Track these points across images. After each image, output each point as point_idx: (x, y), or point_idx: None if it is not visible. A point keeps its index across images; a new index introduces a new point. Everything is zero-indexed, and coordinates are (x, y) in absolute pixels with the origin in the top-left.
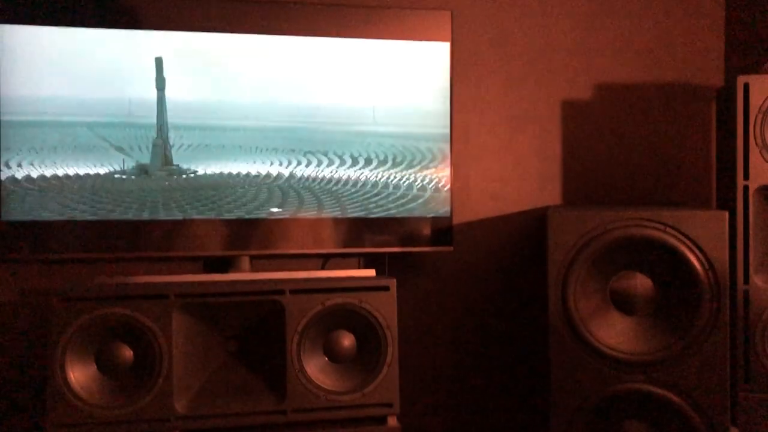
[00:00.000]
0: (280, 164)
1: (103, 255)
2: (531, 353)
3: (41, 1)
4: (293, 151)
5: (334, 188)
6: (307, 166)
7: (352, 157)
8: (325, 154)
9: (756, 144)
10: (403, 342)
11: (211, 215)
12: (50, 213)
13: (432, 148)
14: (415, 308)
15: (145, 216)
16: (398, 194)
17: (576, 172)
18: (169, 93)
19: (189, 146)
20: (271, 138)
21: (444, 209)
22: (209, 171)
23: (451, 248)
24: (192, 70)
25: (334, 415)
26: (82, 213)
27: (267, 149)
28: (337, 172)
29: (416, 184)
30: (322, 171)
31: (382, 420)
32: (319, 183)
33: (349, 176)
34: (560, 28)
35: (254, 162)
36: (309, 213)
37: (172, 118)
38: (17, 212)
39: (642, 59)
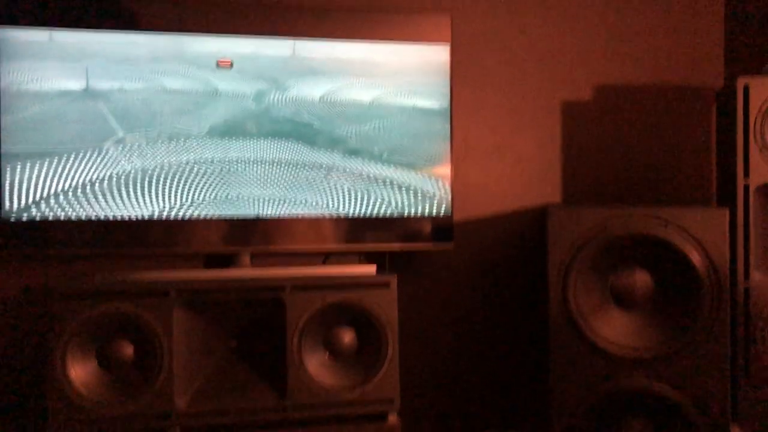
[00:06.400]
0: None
1: (104, 252)
2: (531, 350)
3: None
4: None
5: (331, 185)
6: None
7: (351, 154)
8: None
9: (756, 144)
10: (403, 339)
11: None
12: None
13: (432, 147)
14: (416, 305)
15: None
16: (398, 193)
17: (576, 173)
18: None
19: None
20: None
21: (444, 207)
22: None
23: (452, 246)
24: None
25: (334, 411)
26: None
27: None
28: (334, 171)
29: (417, 183)
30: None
31: (382, 417)
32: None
33: (347, 175)
34: (560, 28)
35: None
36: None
37: None
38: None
39: (642, 60)
